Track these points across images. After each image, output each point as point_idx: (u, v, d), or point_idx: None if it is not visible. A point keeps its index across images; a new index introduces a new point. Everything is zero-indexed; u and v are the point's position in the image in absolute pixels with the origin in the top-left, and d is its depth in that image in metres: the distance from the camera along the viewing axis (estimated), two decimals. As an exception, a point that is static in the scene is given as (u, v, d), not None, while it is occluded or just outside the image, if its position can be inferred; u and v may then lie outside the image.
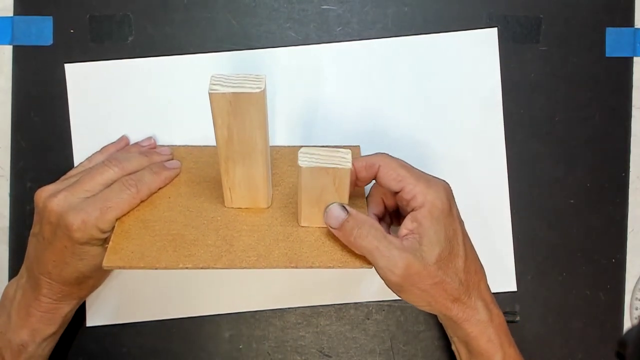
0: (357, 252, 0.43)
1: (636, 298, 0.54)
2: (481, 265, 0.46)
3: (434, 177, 0.45)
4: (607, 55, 0.54)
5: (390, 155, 0.46)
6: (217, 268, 0.42)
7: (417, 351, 0.53)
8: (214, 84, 0.37)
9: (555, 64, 0.54)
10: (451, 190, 0.44)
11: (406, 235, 0.43)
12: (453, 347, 0.47)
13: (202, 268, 0.42)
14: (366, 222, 0.42)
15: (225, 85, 0.37)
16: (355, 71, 0.53)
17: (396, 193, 0.44)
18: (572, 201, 0.54)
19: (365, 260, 0.43)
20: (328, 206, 0.43)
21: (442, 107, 0.53)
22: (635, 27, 0.54)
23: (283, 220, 0.45)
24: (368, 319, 0.53)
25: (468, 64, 0.53)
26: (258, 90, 0.37)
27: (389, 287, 0.43)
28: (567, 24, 0.54)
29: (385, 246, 0.41)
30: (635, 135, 0.54)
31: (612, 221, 0.54)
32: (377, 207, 0.47)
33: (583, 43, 0.54)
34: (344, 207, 0.43)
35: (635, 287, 0.54)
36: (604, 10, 0.54)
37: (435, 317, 0.53)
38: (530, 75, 0.54)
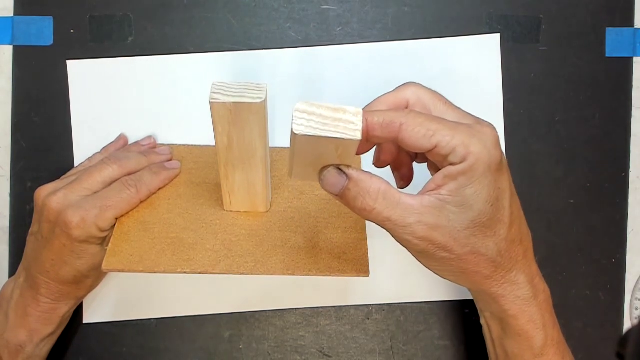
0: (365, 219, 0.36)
1: (636, 298, 0.54)
2: (528, 231, 0.39)
3: (478, 119, 0.36)
4: (607, 55, 0.54)
5: (422, 88, 0.37)
6: (215, 273, 0.42)
7: (417, 351, 0.53)
8: (215, 93, 0.37)
9: (555, 64, 0.54)
10: (499, 137, 0.35)
11: (432, 191, 0.34)
12: (482, 322, 0.42)
13: (200, 273, 0.42)
14: (371, 188, 0.34)
15: (226, 94, 0.37)
16: (356, 74, 0.53)
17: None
18: (572, 201, 0.54)
19: (362, 269, 0.42)
20: (323, 171, 0.36)
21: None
22: (635, 27, 0.54)
23: (282, 225, 0.45)
24: (368, 319, 0.53)
25: (470, 69, 0.53)
26: (259, 101, 0.37)
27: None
28: (567, 24, 0.54)
29: (399, 216, 0.34)
30: (635, 135, 0.54)
31: (612, 221, 0.54)
32: (387, 156, 0.39)
33: (583, 43, 0.54)
34: (342, 171, 0.35)
35: (635, 287, 0.54)
36: (604, 10, 0.54)
37: (435, 317, 0.53)
38: (530, 75, 0.53)
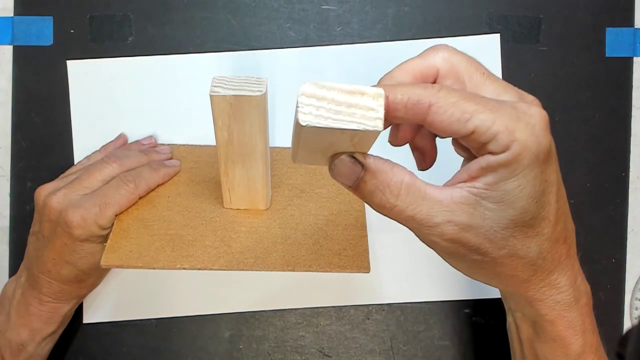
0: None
1: (636, 298, 0.54)
2: (573, 225, 0.34)
3: (520, 92, 0.31)
4: (607, 55, 0.54)
5: (455, 52, 0.31)
6: (214, 269, 0.42)
7: (417, 351, 0.53)
8: (215, 86, 0.37)
9: (555, 64, 0.54)
10: (548, 119, 0.29)
11: (464, 183, 0.29)
12: (509, 319, 0.38)
13: (199, 269, 0.42)
14: (392, 181, 0.29)
15: (227, 88, 0.37)
16: (356, 74, 0.53)
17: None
18: (572, 201, 0.53)
19: (362, 265, 0.42)
20: (334, 159, 0.30)
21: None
22: (635, 27, 0.54)
23: (282, 222, 0.45)
24: (368, 319, 0.53)
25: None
26: (259, 94, 0.37)
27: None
28: (567, 24, 0.54)
29: (425, 214, 0.29)
30: (635, 135, 0.54)
31: (612, 221, 0.54)
32: (406, 133, 0.33)
33: (583, 43, 0.54)
34: (357, 159, 0.30)
35: (635, 287, 0.54)
36: (604, 10, 0.54)
37: (435, 317, 0.53)
38: (530, 75, 0.53)
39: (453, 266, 0.33)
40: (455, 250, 0.30)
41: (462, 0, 0.53)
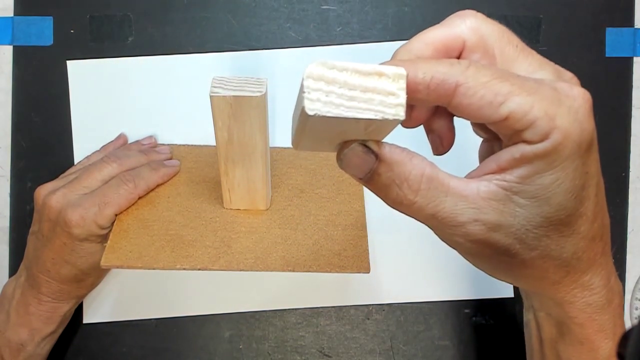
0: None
1: (636, 298, 0.54)
2: (608, 220, 0.30)
3: (558, 69, 0.27)
4: (607, 55, 0.54)
5: (484, 20, 0.27)
6: (214, 270, 0.42)
7: (417, 351, 0.53)
8: (215, 87, 0.37)
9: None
10: (592, 102, 0.25)
11: (492, 175, 0.26)
12: (529, 317, 0.34)
13: (199, 269, 0.42)
14: (411, 174, 0.25)
15: (227, 88, 0.37)
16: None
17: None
18: (572, 201, 0.54)
19: (362, 265, 0.42)
20: (344, 148, 0.26)
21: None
22: (635, 27, 0.54)
23: (281, 222, 0.45)
24: (368, 319, 0.53)
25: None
26: (259, 94, 0.37)
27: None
28: (567, 24, 0.54)
29: (448, 212, 0.25)
30: (635, 135, 0.54)
31: (612, 221, 0.54)
32: (421, 113, 0.29)
33: (583, 43, 0.54)
34: (369, 148, 0.26)
35: (635, 287, 0.54)
36: (604, 10, 0.54)
37: (435, 317, 0.53)
38: (530, 75, 0.53)
39: (475, 266, 0.29)
40: (480, 251, 0.27)
41: (462, 1, 0.53)
